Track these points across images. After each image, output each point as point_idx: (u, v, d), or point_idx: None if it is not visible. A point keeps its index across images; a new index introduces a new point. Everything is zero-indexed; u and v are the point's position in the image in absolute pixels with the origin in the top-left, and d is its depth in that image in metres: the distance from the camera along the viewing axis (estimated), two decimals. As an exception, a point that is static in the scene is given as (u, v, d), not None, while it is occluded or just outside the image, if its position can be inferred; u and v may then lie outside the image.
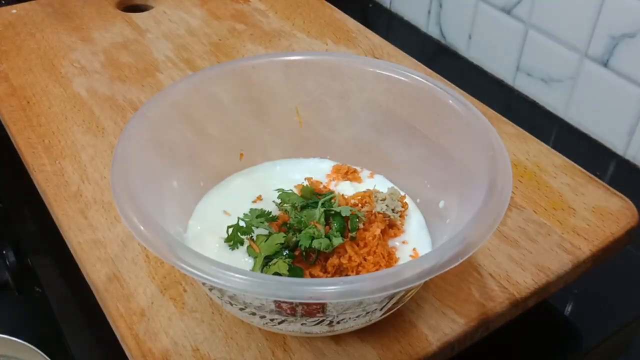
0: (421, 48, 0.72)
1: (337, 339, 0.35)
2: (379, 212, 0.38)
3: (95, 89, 0.53)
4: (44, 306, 0.43)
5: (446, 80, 0.53)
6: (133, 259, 0.38)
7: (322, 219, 0.36)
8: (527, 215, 0.42)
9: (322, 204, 0.38)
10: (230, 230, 0.37)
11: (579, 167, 0.46)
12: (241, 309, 0.33)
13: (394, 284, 0.28)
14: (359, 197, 0.40)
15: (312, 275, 0.35)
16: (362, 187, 0.42)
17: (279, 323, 0.33)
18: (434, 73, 0.55)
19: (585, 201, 0.43)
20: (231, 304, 0.33)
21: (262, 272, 0.35)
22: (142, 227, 0.30)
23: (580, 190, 0.44)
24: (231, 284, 0.28)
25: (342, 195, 0.40)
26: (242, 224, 0.37)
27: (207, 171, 0.41)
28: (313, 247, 0.35)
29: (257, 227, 0.37)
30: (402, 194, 0.41)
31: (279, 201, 0.39)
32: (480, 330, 0.36)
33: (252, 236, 0.37)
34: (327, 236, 0.35)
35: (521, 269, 0.38)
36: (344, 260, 0.35)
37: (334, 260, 0.35)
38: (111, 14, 0.62)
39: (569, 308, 0.45)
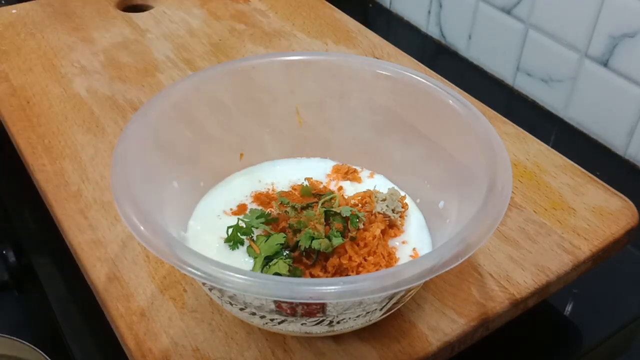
0: (421, 48, 0.72)
1: (337, 338, 0.35)
2: (379, 212, 0.38)
3: (95, 89, 0.52)
4: (43, 306, 0.43)
5: (446, 80, 0.53)
6: (133, 259, 0.38)
7: (322, 219, 0.36)
8: (527, 215, 0.42)
9: (322, 204, 0.38)
10: (230, 230, 0.37)
11: (579, 167, 0.46)
12: (241, 309, 0.33)
13: (394, 284, 0.28)
14: (359, 197, 0.40)
15: (312, 276, 0.35)
16: (362, 187, 0.41)
17: (279, 323, 0.32)
18: (434, 73, 0.55)
19: (585, 201, 0.43)
20: (231, 304, 0.33)
21: (262, 272, 0.35)
22: (142, 227, 0.30)
23: (580, 190, 0.44)
24: (231, 284, 0.28)
25: (342, 195, 0.40)
26: (242, 224, 0.37)
27: (207, 171, 0.41)
28: (313, 247, 0.35)
29: (256, 228, 0.37)
30: (402, 194, 0.41)
31: (279, 202, 0.39)
32: (480, 330, 0.36)
33: (252, 236, 0.37)
34: (327, 236, 0.35)
35: (521, 269, 0.38)
36: (344, 261, 0.35)
37: (334, 260, 0.35)
38: (111, 14, 0.62)
39: (569, 308, 0.45)
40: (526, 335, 0.42)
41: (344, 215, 0.37)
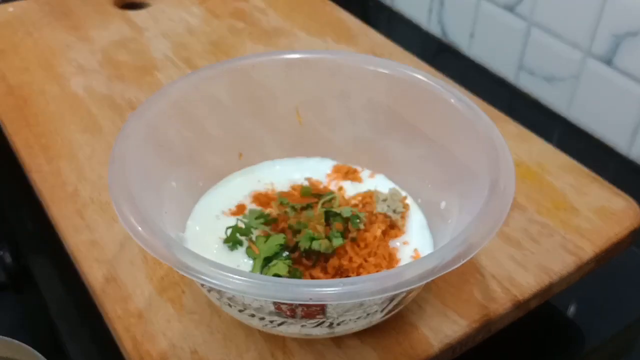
0: (422, 46, 0.72)
1: (338, 340, 0.34)
2: (379, 213, 0.38)
3: (93, 88, 0.52)
4: (41, 307, 0.43)
5: (448, 79, 0.52)
6: (131, 260, 0.38)
7: (322, 220, 0.36)
8: (529, 216, 0.42)
9: (322, 204, 0.37)
10: (230, 231, 0.37)
11: (582, 167, 0.46)
12: (240, 311, 0.32)
13: (395, 285, 0.28)
14: (360, 198, 0.39)
15: (312, 277, 0.35)
16: (362, 187, 0.41)
17: (279, 325, 0.32)
18: (436, 71, 0.55)
19: (589, 201, 0.43)
20: (230, 306, 0.33)
21: (261, 273, 0.35)
22: (139, 228, 0.30)
23: (584, 191, 0.44)
24: (230, 285, 0.28)
25: (343, 195, 0.40)
26: (241, 224, 0.37)
27: (206, 171, 0.41)
28: (313, 248, 0.35)
29: (256, 229, 0.37)
30: (404, 194, 0.41)
31: (278, 202, 0.39)
32: (482, 332, 0.36)
33: (251, 237, 0.37)
34: (327, 237, 0.35)
35: (524, 270, 0.38)
36: (344, 262, 0.35)
37: (334, 261, 0.35)
38: (109, 12, 0.62)
39: (571, 309, 0.45)
40: (528, 336, 0.42)
41: (345, 216, 0.36)
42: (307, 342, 0.34)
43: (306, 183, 0.41)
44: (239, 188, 0.41)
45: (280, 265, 0.34)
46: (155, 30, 0.60)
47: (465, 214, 0.34)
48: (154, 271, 0.38)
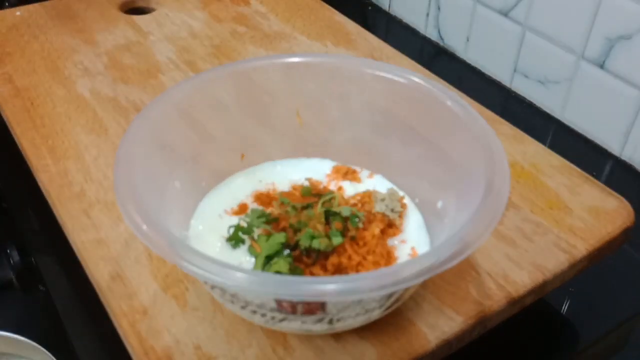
0: (420, 50, 0.73)
1: (337, 336, 0.35)
2: (378, 212, 0.39)
3: (98, 90, 0.53)
4: (47, 304, 0.44)
5: (444, 82, 0.53)
6: (136, 258, 0.39)
7: (322, 219, 0.37)
8: (524, 215, 0.43)
9: (322, 204, 0.38)
10: (232, 229, 0.38)
11: (576, 167, 0.47)
12: (242, 307, 0.33)
13: (393, 282, 0.29)
14: (359, 197, 0.40)
15: (312, 274, 0.35)
16: (361, 187, 0.42)
17: (280, 321, 0.33)
18: (433, 75, 0.55)
19: (582, 201, 0.44)
20: (232, 302, 0.33)
21: (263, 270, 0.35)
22: (144, 227, 0.31)
23: (577, 190, 0.45)
24: (233, 282, 0.28)
25: (342, 195, 0.41)
26: (243, 223, 0.38)
27: (208, 171, 0.42)
28: (313, 246, 0.35)
29: (257, 227, 0.38)
30: (401, 194, 0.41)
31: (279, 202, 0.39)
32: (478, 328, 0.37)
33: (253, 236, 0.38)
34: (327, 236, 0.36)
35: (518, 268, 0.39)
36: (343, 259, 0.35)
37: (334, 259, 0.35)
38: (114, 16, 0.63)
39: (565, 306, 0.45)
40: (523, 333, 0.42)
41: (344, 215, 0.37)
42: (307, 338, 0.35)
43: (306, 183, 0.42)
44: (241, 188, 0.42)
45: (281, 263, 0.35)
46: (159, 34, 0.61)
47: (461, 213, 0.35)
48: (159, 269, 0.38)
